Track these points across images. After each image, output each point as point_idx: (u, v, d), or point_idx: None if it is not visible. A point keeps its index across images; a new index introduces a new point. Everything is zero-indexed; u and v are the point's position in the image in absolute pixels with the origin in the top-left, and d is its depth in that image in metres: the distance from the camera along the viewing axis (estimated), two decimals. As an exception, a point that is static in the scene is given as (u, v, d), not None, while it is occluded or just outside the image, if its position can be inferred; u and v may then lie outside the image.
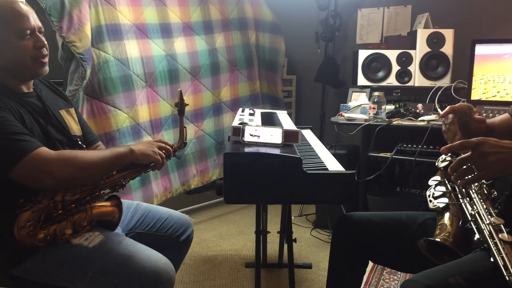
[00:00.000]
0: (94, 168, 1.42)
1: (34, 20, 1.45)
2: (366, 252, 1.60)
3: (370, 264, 2.56)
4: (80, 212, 1.45)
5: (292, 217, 3.42)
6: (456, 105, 1.52)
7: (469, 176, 1.17)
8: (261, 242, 2.15)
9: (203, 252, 2.87)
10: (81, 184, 1.43)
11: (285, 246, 2.18)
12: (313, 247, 2.94)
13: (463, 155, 1.17)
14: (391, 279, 2.47)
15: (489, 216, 1.30)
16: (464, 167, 1.17)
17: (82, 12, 2.38)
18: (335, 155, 2.00)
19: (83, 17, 2.39)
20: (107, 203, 1.55)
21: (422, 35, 3.06)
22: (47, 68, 1.50)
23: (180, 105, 1.70)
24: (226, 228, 3.27)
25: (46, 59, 1.49)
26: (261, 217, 2.13)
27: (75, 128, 1.63)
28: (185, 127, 1.75)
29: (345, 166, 1.62)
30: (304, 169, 1.52)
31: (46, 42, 1.48)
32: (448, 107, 1.54)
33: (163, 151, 1.63)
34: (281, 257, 2.57)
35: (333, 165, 1.68)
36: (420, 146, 2.70)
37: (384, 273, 2.53)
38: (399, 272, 2.52)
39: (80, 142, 1.61)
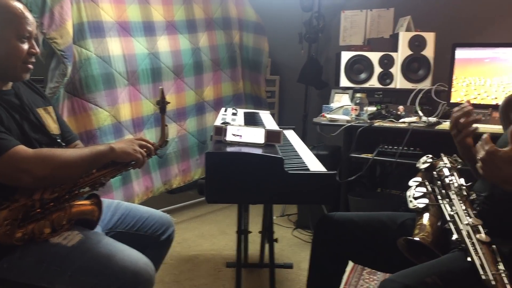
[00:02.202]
0: (73, 166, 1.40)
1: (33, 26, 1.47)
2: (346, 252, 1.61)
3: (350, 264, 2.58)
4: (59, 210, 1.43)
5: (274, 217, 3.43)
6: None
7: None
8: (242, 242, 2.15)
9: (184, 251, 2.86)
10: (59, 182, 1.41)
11: (267, 246, 2.18)
12: (294, 247, 2.95)
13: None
14: (371, 279, 2.49)
15: (468, 217, 1.32)
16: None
17: (63, 9, 2.35)
18: (317, 155, 2.01)
19: (65, 14, 2.36)
20: (87, 202, 1.53)
21: (404, 38, 3.09)
22: (29, 75, 1.52)
23: (162, 103, 1.69)
24: (207, 228, 3.26)
25: (32, 67, 1.51)
26: (242, 217, 2.13)
27: (53, 126, 1.61)
28: (166, 125, 1.74)
29: (327, 167, 1.63)
30: (286, 169, 1.53)
31: (39, 51, 1.50)
32: None
33: (144, 149, 1.62)
34: (262, 257, 2.58)
35: (315, 165, 1.69)
36: (401, 148, 2.73)
37: (363, 273, 2.56)
38: (379, 272, 2.54)
39: (59, 140, 1.59)
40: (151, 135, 2.90)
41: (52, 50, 2.31)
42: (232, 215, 3.46)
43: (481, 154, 1.20)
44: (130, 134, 2.75)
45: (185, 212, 3.57)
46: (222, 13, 3.45)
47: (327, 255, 1.61)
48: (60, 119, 1.71)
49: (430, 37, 3.06)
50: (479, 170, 1.23)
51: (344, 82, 3.24)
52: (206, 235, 3.14)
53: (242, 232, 2.10)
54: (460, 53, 2.83)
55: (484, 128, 2.59)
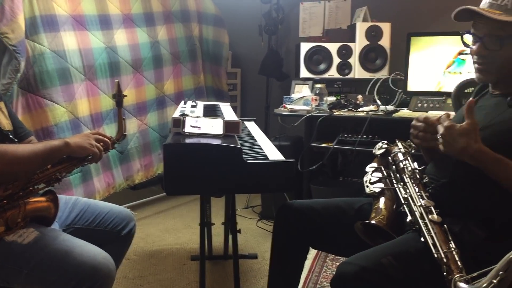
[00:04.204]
0: (26, 162, 1.37)
1: None
2: (306, 239, 1.64)
3: (314, 251, 2.63)
4: (13, 208, 1.40)
5: (238, 209, 3.44)
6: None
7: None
8: (206, 234, 2.15)
9: (148, 247, 2.83)
10: (12, 179, 1.38)
11: (230, 237, 2.19)
12: (259, 238, 2.97)
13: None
14: (334, 266, 2.54)
15: (421, 199, 1.36)
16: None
17: (14, 2, 2.27)
18: (279, 146, 2.04)
19: (16, 8, 2.28)
20: (42, 198, 1.50)
21: (361, 28, 3.15)
22: None
23: (118, 97, 1.67)
24: (171, 223, 3.25)
25: None
26: (205, 209, 2.13)
27: (4, 122, 1.56)
28: (124, 119, 1.72)
29: (289, 157, 1.63)
30: (245, 158, 1.54)
31: None
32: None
33: (101, 143, 1.59)
34: (226, 248, 2.58)
35: (274, 154, 1.71)
36: (360, 136, 2.78)
37: (327, 259, 2.60)
38: (342, 258, 2.59)
39: (11, 137, 1.54)
40: (111, 130, 2.85)
41: (4, 45, 2.24)
42: (196, 209, 3.42)
43: (440, 130, 1.28)
44: (88, 130, 2.69)
45: (148, 207, 3.54)
46: (181, 6, 3.41)
47: (288, 242, 1.63)
48: (12, 115, 1.66)
49: (386, 27, 3.13)
50: (440, 147, 1.29)
51: (304, 73, 3.27)
52: (170, 229, 3.12)
53: (205, 225, 2.10)
54: (415, 42, 2.90)
55: (439, 114, 2.68)
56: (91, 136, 1.58)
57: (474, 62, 1.40)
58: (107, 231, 1.72)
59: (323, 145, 2.93)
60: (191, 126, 1.67)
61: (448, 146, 1.27)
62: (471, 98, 1.28)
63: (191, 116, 1.72)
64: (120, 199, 3.02)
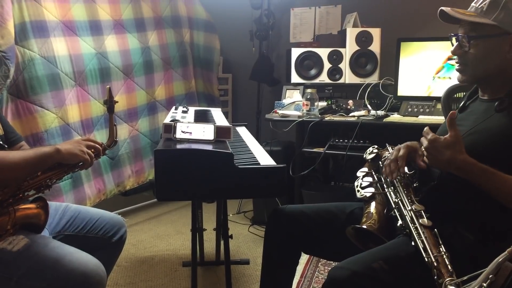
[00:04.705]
0: (16, 169, 1.36)
1: None
2: (298, 244, 1.64)
3: (306, 256, 2.63)
4: (3, 215, 1.38)
5: (230, 215, 3.44)
6: (410, 142, 1.54)
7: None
8: (197, 240, 2.15)
9: (140, 253, 2.82)
10: (2, 185, 1.37)
11: (222, 243, 2.18)
12: (250, 243, 2.97)
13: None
14: (326, 271, 2.54)
15: (411, 203, 1.37)
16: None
17: (4, 8, 2.27)
18: (270, 151, 2.04)
19: (5, 13, 2.27)
20: (32, 205, 1.48)
21: (351, 33, 3.17)
22: None
23: (109, 103, 1.67)
24: (163, 229, 3.23)
25: None
26: (196, 215, 2.13)
27: (-6, 127, 1.56)
28: (115, 125, 1.72)
29: (280, 162, 1.64)
30: (236, 164, 1.54)
31: None
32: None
33: (92, 150, 1.59)
34: (218, 254, 2.58)
35: (265, 159, 1.71)
36: (351, 141, 2.79)
37: (319, 265, 2.60)
38: (334, 263, 2.59)
39: (1, 142, 1.53)
40: (101, 136, 2.84)
41: (-7, 51, 2.22)
42: (188, 215, 3.44)
43: (424, 144, 1.31)
44: (79, 136, 2.68)
45: (140, 213, 3.53)
46: (172, 11, 3.42)
47: (279, 247, 1.63)
48: (3, 120, 1.65)
49: (376, 32, 3.15)
50: (425, 159, 1.33)
51: (295, 78, 3.28)
52: (162, 235, 3.11)
53: (197, 230, 2.10)
54: (405, 47, 2.93)
55: (430, 119, 2.71)
56: (82, 143, 1.57)
57: (455, 62, 1.45)
58: (98, 237, 1.71)
59: (315, 150, 2.93)
60: (182, 132, 1.67)
61: (433, 159, 1.31)
62: (452, 111, 1.30)
63: (182, 122, 1.71)
64: (111, 205, 3.01)
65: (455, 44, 1.41)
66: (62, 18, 2.65)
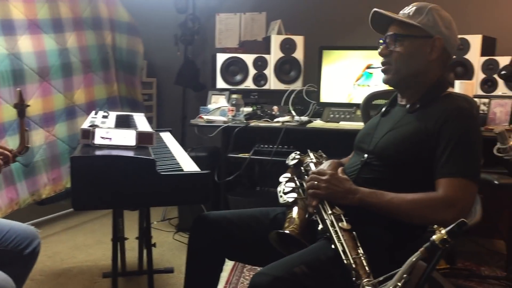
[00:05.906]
0: None
1: None
2: (222, 250, 1.62)
3: (231, 263, 2.62)
4: None
5: (154, 222, 3.36)
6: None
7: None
8: (119, 249, 2.07)
9: (56, 265, 2.67)
10: None
11: (145, 252, 2.12)
12: (175, 251, 2.91)
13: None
14: (251, 276, 2.54)
15: (331, 207, 1.40)
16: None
17: None
18: (196, 157, 2.01)
19: None
20: None
21: (275, 40, 3.22)
22: None
23: (20, 106, 1.57)
24: (82, 239, 3.09)
25: None
26: (117, 223, 2.05)
27: None
28: (27, 130, 1.62)
29: (205, 168, 1.62)
30: (158, 171, 1.50)
31: None
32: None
33: (0, 156, 1.48)
34: (141, 263, 2.50)
35: (189, 166, 1.69)
36: (276, 146, 2.83)
37: (244, 270, 2.60)
38: (259, 269, 2.60)
39: None
40: (14, 142, 2.64)
41: None
42: (109, 223, 3.26)
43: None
44: (-11, 142, 2.51)
45: (57, 223, 3.34)
46: (92, 12, 3.28)
47: (203, 254, 1.60)
48: None
49: (299, 40, 3.22)
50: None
51: (220, 83, 3.28)
52: (81, 246, 2.97)
53: (118, 240, 2.02)
54: (327, 55, 3.02)
55: (350, 124, 2.81)
56: (-12, 149, 1.46)
57: (381, 64, 1.53)
58: (8, 250, 1.59)
59: (240, 155, 2.94)
60: (101, 138, 1.60)
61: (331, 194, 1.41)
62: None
63: (101, 127, 1.65)
64: (26, 215, 2.83)
65: (383, 45, 1.50)
66: (-31, 15, 2.46)
